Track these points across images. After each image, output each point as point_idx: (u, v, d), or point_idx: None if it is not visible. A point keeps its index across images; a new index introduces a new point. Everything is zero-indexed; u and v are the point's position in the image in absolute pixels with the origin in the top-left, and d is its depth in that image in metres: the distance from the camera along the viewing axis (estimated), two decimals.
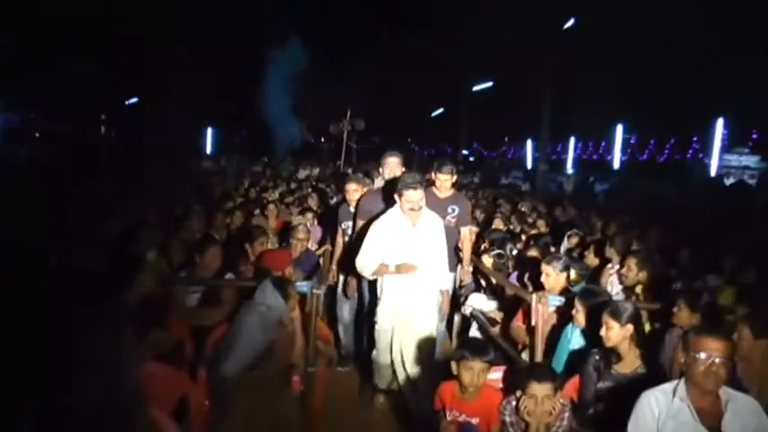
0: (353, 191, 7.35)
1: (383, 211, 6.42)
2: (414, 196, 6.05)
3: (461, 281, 7.62)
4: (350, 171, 13.78)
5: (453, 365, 4.38)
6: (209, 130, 39.23)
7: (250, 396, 4.85)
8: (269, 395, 4.91)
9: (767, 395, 4.19)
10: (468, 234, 7.53)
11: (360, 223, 7.00)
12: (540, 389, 4.02)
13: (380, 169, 7.35)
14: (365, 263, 6.14)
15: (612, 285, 7.02)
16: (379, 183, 7.78)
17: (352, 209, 7.37)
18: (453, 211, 7.24)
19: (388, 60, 33.30)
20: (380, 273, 6.15)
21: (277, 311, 5.18)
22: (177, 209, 11.13)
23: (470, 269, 7.62)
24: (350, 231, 7.32)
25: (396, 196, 6.12)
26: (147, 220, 8.99)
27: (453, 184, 7.38)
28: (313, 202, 12.34)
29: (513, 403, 4.16)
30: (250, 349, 5.03)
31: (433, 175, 7.38)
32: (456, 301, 7.47)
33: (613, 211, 14.19)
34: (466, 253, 7.53)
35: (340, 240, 7.58)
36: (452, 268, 7.31)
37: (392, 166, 7.21)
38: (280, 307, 5.18)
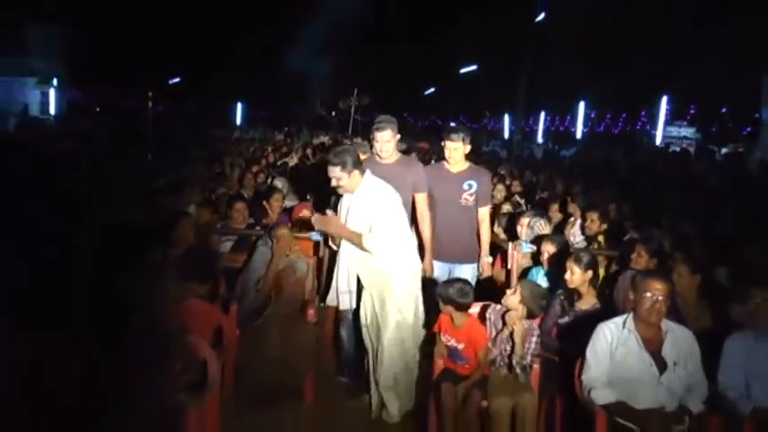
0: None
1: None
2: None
3: (481, 273, 5.52)
4: (356, 140, 13.63)
5: (441, 304, 4.37)
6: (239, 105, 39.13)
7: (273, 326, 4.89)
8: (288, 325, 4.95)
9: (699, 324, 4.22)
10: (487, 216, 5.49)
11: None
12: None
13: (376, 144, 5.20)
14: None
15: (575, 236, 7.02)
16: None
17: None
18: (470, 187, 5.28)
19: (389, 47, 33.40)
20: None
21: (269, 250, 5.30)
22: (214, 170, 11.12)
23: (490, 260, 5.59)
24: None
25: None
26: (188, 180, 8.98)
27: (467, 156, 5.40)
28: None
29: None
30: (253, 275, 5.24)
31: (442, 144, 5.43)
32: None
33: (575, 174, 14.17)
34: (485, 240, 5.48)
35: None
36: (473, 257, 5.44)
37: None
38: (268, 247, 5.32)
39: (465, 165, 5.38)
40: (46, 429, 2.97)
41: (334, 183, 4.58)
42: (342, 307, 4.80)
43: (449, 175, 5.34)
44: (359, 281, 4.70)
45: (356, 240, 4.57)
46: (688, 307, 4.47)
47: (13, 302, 3.94)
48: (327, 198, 5.56)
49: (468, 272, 5.37)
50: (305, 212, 6.50)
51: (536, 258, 5.60)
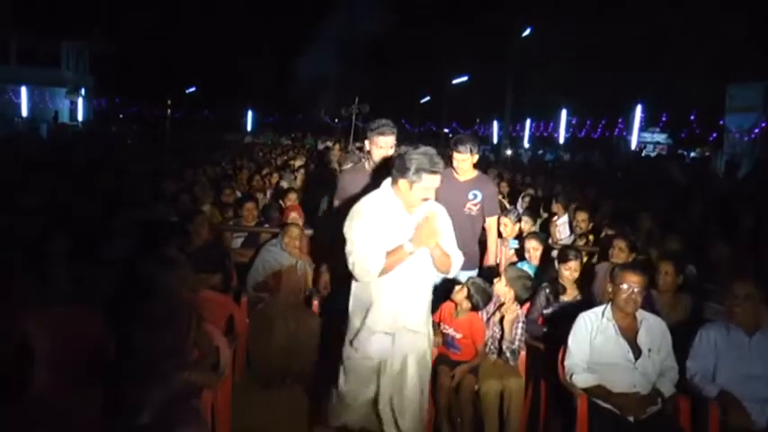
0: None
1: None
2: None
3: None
4: (357, 144, 13.56)
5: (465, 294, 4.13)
6: (249, 112, 39.19)
7: (281, 315, 4.86)
8: (295, 314, 4.92)
9: (672, 317, 4.20)
10: (494, 226, 5.03)
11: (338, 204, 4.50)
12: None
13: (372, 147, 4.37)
14: (366, 260, 3.27)
15: (560, 233, 7.00)
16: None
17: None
18: (475, 197, 4.79)
19: (387, 60, 33.51)
20: (393, 265, 3.30)
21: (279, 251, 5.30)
22: (226, 171, 11.11)
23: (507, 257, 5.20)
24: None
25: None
26: (201, 181, 8.96)
27: (475, 165, 4.92)
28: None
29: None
30: (253, 278, 5.24)
31: (450, 153, 4.90)
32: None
33: (558, 176, 14.15)
34: (491, 249, 5.06)
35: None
36: (473, 265, 4.85)
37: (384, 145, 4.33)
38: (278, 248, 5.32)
39: (472, 174, 4.88)
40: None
41: (431, 195, 3.37)
42: (378, 355, 3.42)
43: (455, 183, 4.74)
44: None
45: (445, 261, 3.46)
46: (662, 299, 4.45)
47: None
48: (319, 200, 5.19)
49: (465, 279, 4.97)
50: (293, 215, 6.39)
51: (520, 254, 5.58)
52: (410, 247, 3.27)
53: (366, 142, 4.49)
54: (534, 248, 5.29)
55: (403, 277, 3.36)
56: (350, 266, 3.33)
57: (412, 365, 3.45)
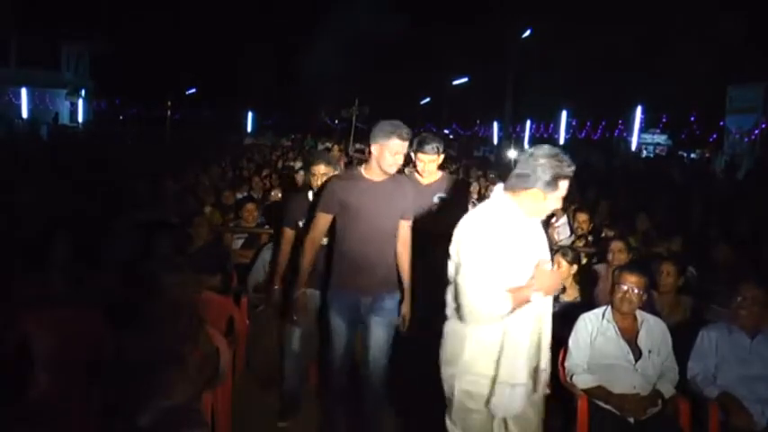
0: (322, 175, 4.16)
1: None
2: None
3: None
4: (357, 146, 13.52)
5: None
6: (250, 114, 39.17)
7: (279, 316, 4.85)
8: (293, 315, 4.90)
9: (673, 318, 4.21)
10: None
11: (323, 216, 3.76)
12: None
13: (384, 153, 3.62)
14: (493, 303, 2.66)
15: (559, 234, 7.00)
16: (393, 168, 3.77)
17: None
18: (441, 200, 4.32)
19: (388, 61, 33.55)
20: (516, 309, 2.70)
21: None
22: (227, 174, 11.10)
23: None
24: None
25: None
26: (203, 182, 8.96)
27: (442, 167, 4.51)
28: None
29: None
30: (253, 279, 5.23)
31: (412, 155, 4.36)
32: None
33: None
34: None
35: (289, 236, 4.29)
36: None
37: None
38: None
39: (437, 176, 4.41)
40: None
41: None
42: (517, 410, 2.83)
43: (419, 188, 4.22)
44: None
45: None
46: (663, 300, 4.45)
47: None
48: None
49: None
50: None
51: None
52: (535, 296, 2.74)
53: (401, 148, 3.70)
54: None
55: (533, 316, 2.81)
56: (466, 305, 2.70)
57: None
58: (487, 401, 2.76)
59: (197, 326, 3.46)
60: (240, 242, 6.45)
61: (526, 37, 28.11)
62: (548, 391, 3.03)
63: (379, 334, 3.75)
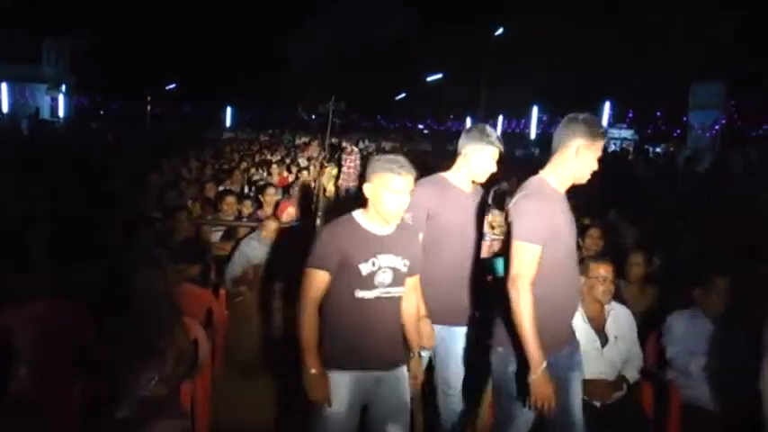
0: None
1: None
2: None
3: None
4: (333, 140, 13.43)
5: None
6: (228, 109, 38.87)
7: (260, 308, 4.85)
8: (273, 307, 4.91)
9: (638, 306, 4.27)
10: None
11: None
12: None
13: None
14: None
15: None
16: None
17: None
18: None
19: (364, 57, 33.48)
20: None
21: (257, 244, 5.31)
22: (204, 165, 11.00)
23: None
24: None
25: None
26: (184, 176, 8.88)
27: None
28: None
29: None
30: (231, 271, 5.24)
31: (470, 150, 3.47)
32: None
33: (528, 171, 14.18)
34: None
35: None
36: None
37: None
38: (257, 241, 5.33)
39: None
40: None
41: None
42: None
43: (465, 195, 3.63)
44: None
45: None
46: (630, 289, 4.51)
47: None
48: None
49: None
50: (290, 210, 6.39)
51: None
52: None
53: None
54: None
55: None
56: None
57: None
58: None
59: (175, 318, 3.43)
60: (219, 235, 6.40)
61: (499, 35, 28.29)
62: None
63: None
